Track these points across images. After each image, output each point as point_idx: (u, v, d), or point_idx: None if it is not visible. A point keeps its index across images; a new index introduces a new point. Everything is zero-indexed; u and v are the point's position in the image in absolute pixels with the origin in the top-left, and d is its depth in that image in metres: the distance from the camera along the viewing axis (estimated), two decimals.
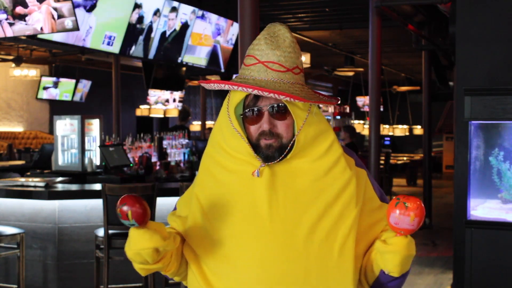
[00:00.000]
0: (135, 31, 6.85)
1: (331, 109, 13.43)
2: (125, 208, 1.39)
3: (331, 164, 1.53)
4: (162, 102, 14.35)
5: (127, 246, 1.45)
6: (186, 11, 7.59)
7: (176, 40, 7.65)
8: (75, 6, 5.35)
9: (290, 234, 1.47)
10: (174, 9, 7.40)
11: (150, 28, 7.07)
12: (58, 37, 5.84)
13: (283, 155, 1.51)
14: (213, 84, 1.54)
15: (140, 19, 6.87)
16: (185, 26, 7.69)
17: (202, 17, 7.94)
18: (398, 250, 1.40)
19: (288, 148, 1.52)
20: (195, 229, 1.54)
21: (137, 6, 6.70)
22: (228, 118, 1.54)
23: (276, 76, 1.50)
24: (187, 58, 8.02)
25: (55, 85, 14.02)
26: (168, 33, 7.43)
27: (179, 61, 7.93)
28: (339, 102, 1.65)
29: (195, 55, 8.18)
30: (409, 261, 1.45)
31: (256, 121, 1.53)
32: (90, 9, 6.06)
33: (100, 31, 6.33)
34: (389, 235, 1.45)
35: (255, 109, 1.52)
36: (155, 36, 7.21)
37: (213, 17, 8.21)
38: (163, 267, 1.52)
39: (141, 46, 7.06)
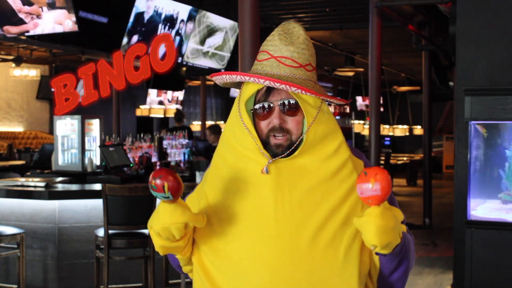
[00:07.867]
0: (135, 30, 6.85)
1: (331, 109, 13.44)
2: (159, 181, 1.34)
3: (339, 166, 1.51)
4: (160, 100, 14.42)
5: (155, 220, 1.41)
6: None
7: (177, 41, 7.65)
8: None
9: (295, 235, 1.46)
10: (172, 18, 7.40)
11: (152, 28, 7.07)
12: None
13: (290, 150, 1.50)
14: (225, 76, 1.54)
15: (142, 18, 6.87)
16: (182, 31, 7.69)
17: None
18: (370, 219, 1.36)
19: (297, 144, 1.51)
20: (203, 227, 1.52)
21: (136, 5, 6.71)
22: (238, 113, 1.53)
23: (289, 71, 1.49)
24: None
25: None
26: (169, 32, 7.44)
27: (179, 61, 7.93)
28: (350, 101, 1.64)
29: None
30: (389, 232, 1.37)
31: (267, 116, 1.52)
32: None
33: None
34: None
35: (266, 104, 1.51)
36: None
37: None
38: (183, 246, 1.49)
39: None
